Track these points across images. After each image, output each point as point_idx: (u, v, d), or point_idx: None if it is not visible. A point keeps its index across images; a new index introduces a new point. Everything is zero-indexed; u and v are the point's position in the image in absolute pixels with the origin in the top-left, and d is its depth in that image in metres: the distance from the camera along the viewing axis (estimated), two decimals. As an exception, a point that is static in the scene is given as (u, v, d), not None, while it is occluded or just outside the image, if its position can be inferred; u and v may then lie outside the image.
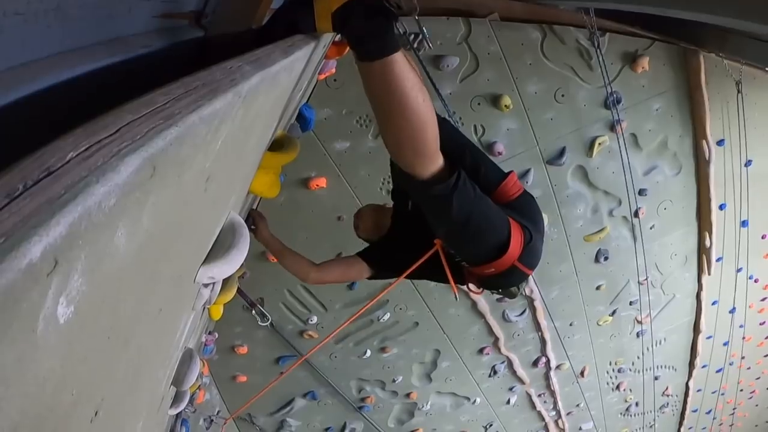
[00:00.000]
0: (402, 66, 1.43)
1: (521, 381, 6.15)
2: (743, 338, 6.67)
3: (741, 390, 7.76)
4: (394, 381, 5.66)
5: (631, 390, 6.94)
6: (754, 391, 7.87)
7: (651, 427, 7.72)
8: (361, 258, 2.46)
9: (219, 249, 1.34)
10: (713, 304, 6.03)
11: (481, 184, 1.95)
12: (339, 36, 2.03)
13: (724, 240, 5.29)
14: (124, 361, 0.88)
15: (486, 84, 3.81)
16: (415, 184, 1.70)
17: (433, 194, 1.71)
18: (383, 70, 1.42)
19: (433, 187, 1.69)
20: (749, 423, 8.75)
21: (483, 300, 5.06)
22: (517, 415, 6.69)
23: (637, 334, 6.12)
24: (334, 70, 3.12)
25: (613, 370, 6.61)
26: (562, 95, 3.98)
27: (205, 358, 4.36)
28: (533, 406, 6.61)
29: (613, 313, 5.79)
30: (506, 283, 2.20)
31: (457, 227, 1.85)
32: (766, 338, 6.86)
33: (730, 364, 6.99)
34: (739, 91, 4.17)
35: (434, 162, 1.66)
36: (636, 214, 4.81)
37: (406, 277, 2.38)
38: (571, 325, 5.70)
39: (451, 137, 1.98)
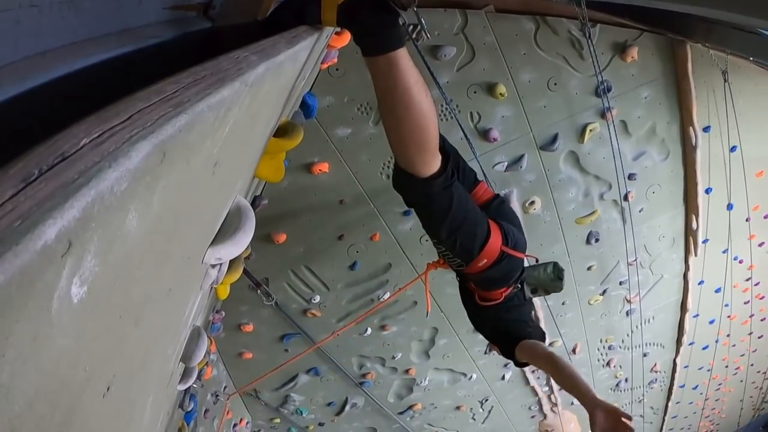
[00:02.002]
0: (406, 61, 1.45)
1: (515, 358, 6.29)
2: (728, 317, 6.81)
3: (726, 366, 7.89)
4: (393, 358, 5.77)
5: (620, 366, 7.07)
6: (738, 368, 8.03)
7: (640, 402, 7.87)
8: None
9: (226, 231, 1.34)
10: (700, 284, 6.14)
11: (462, 182, 2.11)
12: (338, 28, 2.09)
13: (710, 222, 5.40)
14: (135, 338, 0.87)
15: (482, 73, 3.88)
16: (416, 183, 1.75)
17: (434, 190, 1.77)
18: (388, 64, 1.44)
19: (434, 182, 1.75)
20: (734, 398, 8.92)
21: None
22: (512, 390, 6.84)
23: (627, 313, 6.23)
24: (336, 60, 3.16)
25: (604, 347, 6.73)
26: (555, 84, 4.06)
27: (213, 336, 4.46)
28: (527, 381, 6.76)
29: (604, 292, 5.90)
30: (506, 272, 2.30)
31: (454, 220, 1.93)
32: (750, 317, 7.01)
33: (716, 342, 7.14)
34: (725, 80, 4.24)
35: (435, 158, 1.71)
36: (625, 198, 4.90)
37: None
38: (563, 304, 5.81)
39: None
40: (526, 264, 2.64)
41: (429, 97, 1.56)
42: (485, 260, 2.15)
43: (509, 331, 2.53)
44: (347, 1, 1.43)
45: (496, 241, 2.13)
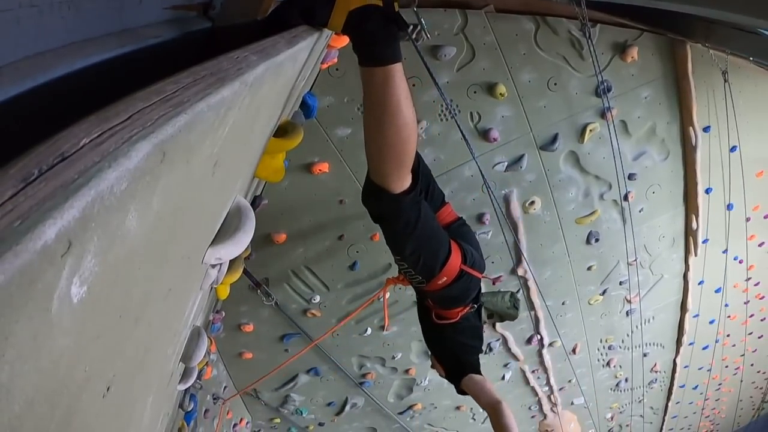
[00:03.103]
0: (401, 75, 1.49)
1: (515, 358, 6.28)
2: (728, 317, 6.81)
3: (726, 366, 7.90)
4: (393, 358, 5.78)
5: (620, 366, 7.07)
6: (738, 368, 8.04)
7: (640, 402, 7.88)
8: None
9: (226, 231, 1.34)
10: (699, 284, 6.15)
11: (429, 203, 2.12)
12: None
13: (710, 222, 5.41)
14: (135, 338, 0.87)
15: (482, 73, 3.89)
16: (387, 198, 1.77)
17: (403, 206, 1.80)
18: (385, 76, 1.47)
19: (404, 198, 1.78)
20: (734, 398, 8.95)
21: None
22: (512, 390, 6.84)
23: (627, 313, 6.24)
24: (336, 60, 3.16)
25: (604, 347, 6.73)
26: (555, 84, 4.06)
27: (213, 336, 4.47)
28: (527, 381, 6.76)
29: (604, 292, 5.90)
30: (464, 291, 2.36)
31: (419, 237, 1.97)
32: (750, 317, 7.01)
33: (716, 342, 7.14)
34: (725, 80, 4.24)
35: (408, 175, 1.75)
36: (625, 198, 4.90)
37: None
38: (563, 304, 5.81)
39: None
40: (485, 289, 2.71)
41: (414, 113, 1.60)
42: (445, 278, 2.20)
43: (460, 359, 2.67)
44: (360, 7, 1.43)
45: (456, 259, 2.18)
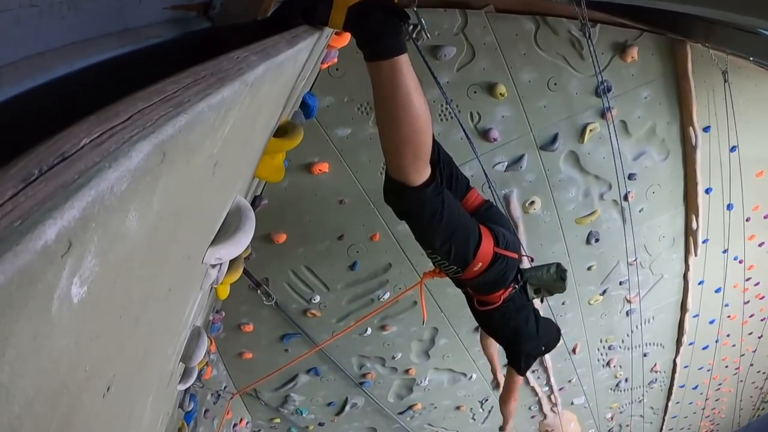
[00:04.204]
0: (408, 66, 1.47)
1: (515, 358, 6.30)
2: (728, 317, 6.82)
3: (726, 366, 7.92)
4: (393, 358, 5.79)
5: (620, 366, 7.09)
6: (738, 368, 8.05)
7: (640, 402, 7.89)
8: None
9: (226, 231, 1.33)
10: (699, 284, 6.16)
11: (453, 190, 2.11)
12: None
13: (710, 222, 5.41)
14: (135, 338, 0.87)
15: (482, 73, 3.89)
16: (408, 192, 1.75)
17: (426, 198, 1.79)
18: (392, 69, 1.45)
19: (425, 190, 1.76)
20: (734, 398, 8.95)
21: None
22: (511, 390, 6.88)
23: (627, 313, 6.25)
24: (336, 60, 3.17)
25: (604, 347, 6.75)
26: (555, 84, 4.07)
27: (213, 336, 4.48)
28: (527, 381, 6.74)
29: (604, 292, 5.92)
30: (502, 273, 2.33)
31: (447, 227, 1.95)
32: (750, 317, 7.02)
33: (716, 342, 7.15)
34: (725, 80, 4.25)
35: (427, 166, 1.72)
36: (625, 198, 4.91)
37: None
38: (563, 304, 5.81)
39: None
40: (527, 266, 2.69)
41: (426, 103, 1.58)
42: (480, 264, 2.18)
43: (511, 345, 2.79)
44: (359, 2, 1.42)
45: (488, 243, 2.16)
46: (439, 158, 2.02)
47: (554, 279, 2.70)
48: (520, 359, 2.80)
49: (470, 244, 2.10)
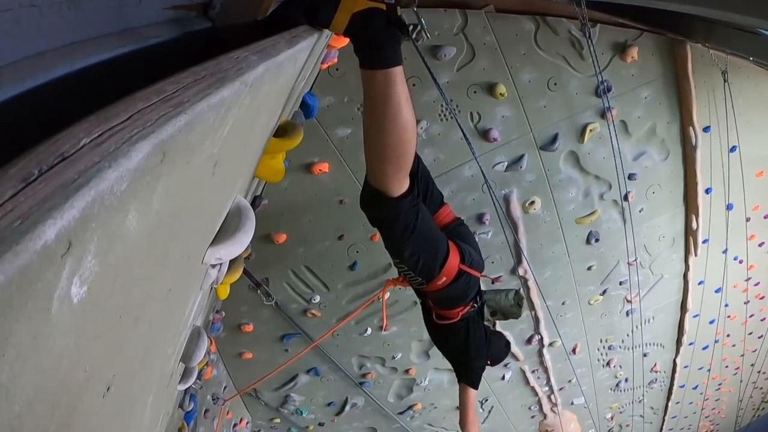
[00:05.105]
0: (402, 79, 1.49)
1: (515, 358, 6.30)
2: (728, 317, 6.82)
3: (726, 366, 7.91)
4: (393, 358, 5.78)
5: (620, 366, 7.09)
6: (738, 368, 8.05)
7: (640, 402, 7.89)
8: None
9: (226, 231, 1.34)
10: (699, 284, 6.16)
11: (427, 204, 2.15)
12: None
13: (710, 222, 5.41)
14: (135, 338, 0.87)
15: (482, 73, 3.89)
16: (385, 201, 1.78)
17: (402, 209, 1.81)
18: (386, 79, 1.47)
19: (402, 201, 1.79)
20: (734, 398, 8.95)
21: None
22: (512, 390, 6.86)
23: (627, 313, 6.25)
24: (336, 60, 3.16)
25: (604, 347, 6.75)
26: (555, 84, 4.06)
27: (213, 336, 4.47)
28: (527, 381, 6.77)
29: (604, 292, 5.91)
30: (464, 290, 2.38)
31: (418, 239, 1.98)
32: (750, 317, 7.02)
33: (716, 342, 7.15)
34: (725, 80, 4.25)
35: (407, 178, 1.76)
36: (625, 198, 4.90)
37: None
38: (563, 304, 5.82)
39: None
40: (488, 288, 2.77)
41: (414, 116, 1.60)
42: (444, 278, 2.22)
43: (460, 363, 2.83)
44: (365, 10, 1.43)
45: (454, 259, 2.20)
46: (418, 170, 2.04)
47: (511, 305, 2.79)
48: (470, 374, 2.85)
49: (437, 258, 2.15)
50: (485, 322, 2.82)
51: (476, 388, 2.92)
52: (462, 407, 2.94)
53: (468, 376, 2.85)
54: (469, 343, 2.70)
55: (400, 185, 1.76)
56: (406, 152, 1.67)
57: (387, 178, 1.74)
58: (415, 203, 1.86)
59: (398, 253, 2.13)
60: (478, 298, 2.60)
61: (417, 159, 2.01)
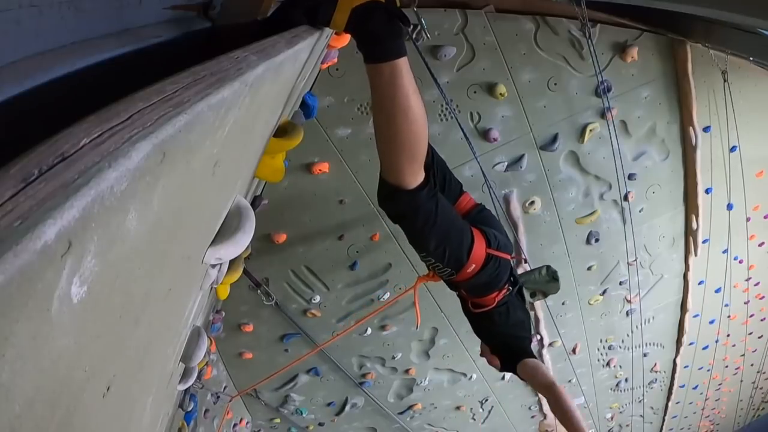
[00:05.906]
0: (408, 70, 1.48)
1: (515, 358, 6.30)
2: (728, 317, 6.82)
3: (726, 366, 7.90)
4: (393, 358, 5.78)
5: (620, 366, 7.08)
6: (738, 368, 8.05)
7: (640, 402, 7.88)
8: None
9: (226, 231, 1.34)
10: (700, 283, 6.15)
11: (446, 194, 2.13)
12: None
13: (710, 222, 5.41)
14: (135, 338, 0.88)
15: (482, 73, 3.89)
16: (403, 195, 1.77)
17: (420, 201, 1.80)
18: (392, 72, 1.46)
19: (420, 193, 1.78)
20: (734, 398, 8.95)
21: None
22: (512, 390, 6.86)
23: (627, 313, 6.24)
24: (336, 60, 3.16)
25: (604, 347, 6.74)
26: (555, 84, 4.06)
27: (213, 336, 4.47)
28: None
29: (604, 292, 5.91)
30: (495, 275, 2.34)
31: (440, 230, 1.97)
32: (750, 317, 7.02)
33: (716, 342, 7.14)
34: (725, 80, 4.25)
35: (421, 170, 1.74)
36: (626, 198, 4.90)
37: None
38: (563, 304, 5.81)
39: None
40: (521, 270, 2.70)
41: (423, 106, 1.59)
42: (474, 265, 2.20)
43: (510, 345, 2.62)
44: (363, 4, 1.43)
45: (480, 245, 2.19)
46: (433, 161, 2.03)
47: (547, 280, 2.75)
48: (525, 347, 2.67)
49: (463, 246, 2.12)
50: (526, 305, 2.73)
51: (534, 357, 2.67)
52: (534, 380, 2.58)
53: (524, 350, 2.64)
54: (510, 323, 2.60)
55: (415, 177, 1.75)
56: (418, 144, 1.64)
57: (401, 171, 1.72)
58: (432, 194, 1.85)
59: (423, 247, 2.12)
60: (513, 281, 2.56)
61: (431, 150, 1.99)
